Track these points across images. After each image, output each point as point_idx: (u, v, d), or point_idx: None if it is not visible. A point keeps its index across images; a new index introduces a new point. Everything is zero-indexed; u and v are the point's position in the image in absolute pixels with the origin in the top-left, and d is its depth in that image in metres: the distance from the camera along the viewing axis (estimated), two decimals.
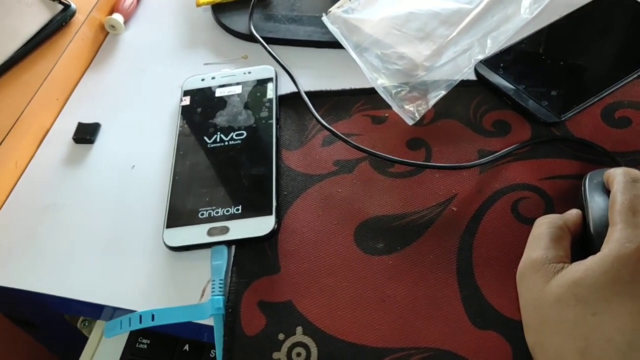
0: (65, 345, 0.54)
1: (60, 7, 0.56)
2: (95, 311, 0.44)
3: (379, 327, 0.36)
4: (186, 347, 0.44)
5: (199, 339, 0.44)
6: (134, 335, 0.45)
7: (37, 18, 0.54)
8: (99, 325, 0.47)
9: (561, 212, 0.40)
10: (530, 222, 0.40)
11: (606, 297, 0.29)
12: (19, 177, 0.49)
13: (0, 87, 0.50)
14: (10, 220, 0.46)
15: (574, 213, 0.36)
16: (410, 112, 0.46)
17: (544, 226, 0.35)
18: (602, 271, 0.30)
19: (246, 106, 0.49)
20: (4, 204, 0.47)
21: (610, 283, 0.29)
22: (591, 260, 0.31)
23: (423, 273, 0.38)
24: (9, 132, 0.47)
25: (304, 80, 0.51)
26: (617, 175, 0.34)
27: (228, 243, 0.41)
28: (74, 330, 0.48)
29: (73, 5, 0.56)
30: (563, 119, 0.44)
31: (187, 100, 0.51)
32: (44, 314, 0.49)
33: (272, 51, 0.53)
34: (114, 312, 0.42)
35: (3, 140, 0.47)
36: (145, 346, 0.44)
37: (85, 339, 0.47)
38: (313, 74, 0.51)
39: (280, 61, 0.52)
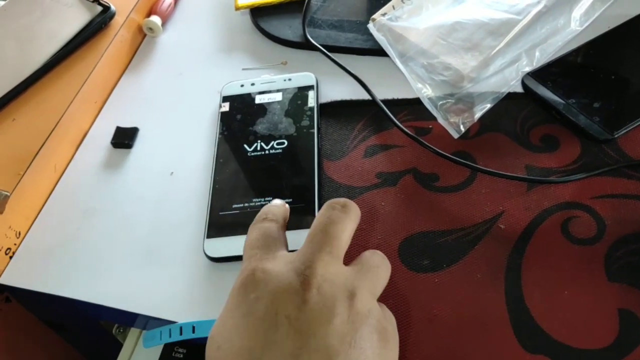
0: (101, 351, 0.54)
1: (100, 8, 0.56)
2: (128, 319, 0.43)
3: (426, 347, 0.36)
4: None
5: None
6: (170, 345, 0.44)
7: (76, 19, 0.54)
8: (134, 332, 0.47)
9: (614, 233, 0.39)
10: (581, 243, 0.39)
11: None
12: (58, 181, 0.49)
13: (41, 89, 0.50)
14: (48, 225, 0.46)
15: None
16: (455, 124, 0.45)
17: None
18: None
19: (287, 114, 0.48)
20: (42, 207, 0.47)
21: None
22: None
23: (470, 292, 0.37)
24: (49, 134, 0.47)
25: (344, 88, 0.51)
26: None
27: None
28: (109, 336, 0.48)
29: (113, 7, 0.56)
30: (616, 136, 0.43)
31: (226, 107, 0.50)
32: (78, 319, 0.49)
33: (334, 58, 0.52)
34: (148, 321, 0.42)
35: (44, 143, 0.46)
36: (182, 356, 0.44)
37: (120, 345, 0.46)
38: (353, 82, 0.50)
39: (349, 69, 0.50)
